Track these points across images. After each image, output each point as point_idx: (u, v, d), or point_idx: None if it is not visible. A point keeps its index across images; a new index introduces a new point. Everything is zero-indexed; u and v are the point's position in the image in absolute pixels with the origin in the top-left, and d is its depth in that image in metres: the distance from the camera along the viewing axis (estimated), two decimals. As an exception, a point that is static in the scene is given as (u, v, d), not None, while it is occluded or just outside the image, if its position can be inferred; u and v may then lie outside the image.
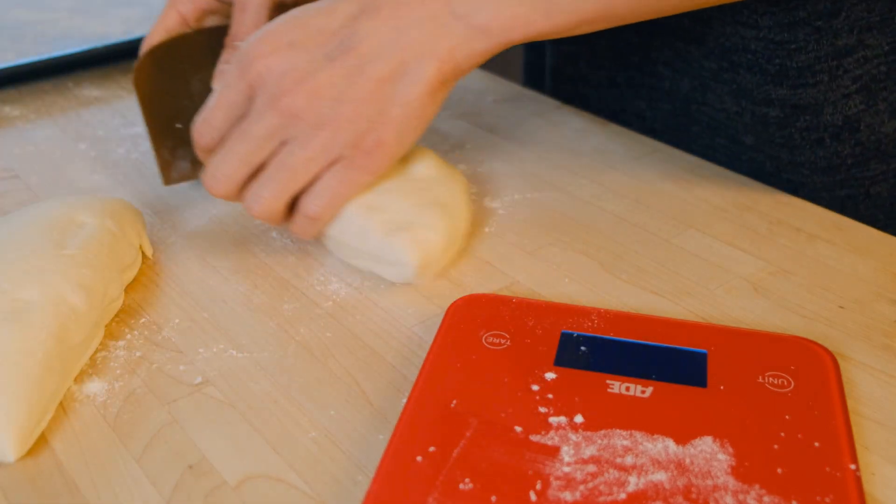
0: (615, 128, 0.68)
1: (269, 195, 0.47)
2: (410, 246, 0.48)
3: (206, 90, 0.58)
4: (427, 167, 0.53)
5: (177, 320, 0.47)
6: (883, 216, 0.62)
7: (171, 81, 0.59)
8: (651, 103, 0.69)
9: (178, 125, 0.57)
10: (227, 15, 0.59)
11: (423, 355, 0.44)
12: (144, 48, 0.58)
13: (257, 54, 0.47)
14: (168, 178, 0.59)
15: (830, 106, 0.58)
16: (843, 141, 0.59)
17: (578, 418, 0.37)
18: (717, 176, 0.61)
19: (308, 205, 0.48)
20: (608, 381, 0.39)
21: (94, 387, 0.42)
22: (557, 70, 0.76)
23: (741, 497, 0.33)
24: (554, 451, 0.35)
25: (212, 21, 0.61)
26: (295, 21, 0.47)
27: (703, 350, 0.41)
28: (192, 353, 0.44)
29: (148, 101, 0.58)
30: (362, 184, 0.48)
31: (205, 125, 0.49)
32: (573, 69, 0.74)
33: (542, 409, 0.38)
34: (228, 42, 0.57)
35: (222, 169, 0.48)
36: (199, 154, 0.51)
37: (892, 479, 0.37)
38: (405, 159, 0.52)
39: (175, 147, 0.58)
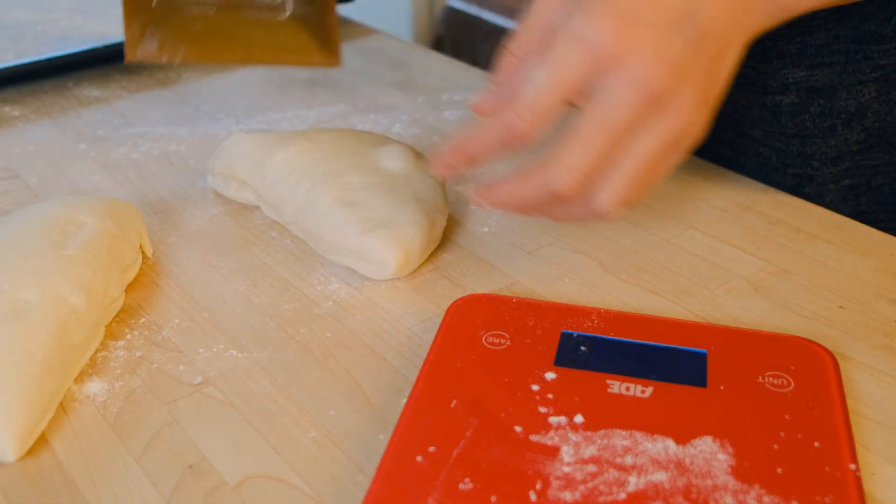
0: (615, 128, 0.68)
1: (623, 191, 0.42)
2: (390, 244, 0.48)
3: None
4: (403, 161, 0.53)
5: (177, 320, 0.47)
6: (885, 215, 0.62)
7: None
8: None
9: (154, 2, 0.54)
10: None
11: (423, 355, 0.44)
12: None
13: (606, 34, 0.41)
14: (132, 54, 0.55)
15: (844, 91, 0.58)
16: (852, 128, 0.59)
17: (578, 418, 0.37)
18: (717, 176, 0.61)
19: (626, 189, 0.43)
20: (608, 381, 0.39)
21: (94, 387, 0.42)
22: None
23: (741, 497, 0.33)
24: (554, 451, 0.35)
25: None
26: (630, 17, 0.41)
27: (703, 350, 0.41)
28: (192, 353, 0.44)
29: None
30: (678, 164, 0.44)
31: (527, 109, 0.42)
32: None
33: (542, 409, 0.38)
34: None
35: (579, 165, 0.41)
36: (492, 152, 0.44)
37: (892, 479, 0.37)
38: (381, 153, 0.52)
39: (145, 24, 0.55)
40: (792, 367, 0.40)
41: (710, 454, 0.35)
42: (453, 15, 1.94)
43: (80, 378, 0.42)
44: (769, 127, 0.62)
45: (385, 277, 0.49)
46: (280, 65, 0.57)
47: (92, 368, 0.43)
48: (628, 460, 0.35)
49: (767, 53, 0.60)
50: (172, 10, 0.54)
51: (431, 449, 0.36)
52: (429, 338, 0.45)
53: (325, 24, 0.58)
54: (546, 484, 0.34)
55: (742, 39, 0.44)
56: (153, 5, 0.54)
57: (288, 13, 0.57)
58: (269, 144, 0.55)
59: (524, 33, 0.47)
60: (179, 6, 0.54)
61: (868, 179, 0.61)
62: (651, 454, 0.35)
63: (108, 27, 0.85)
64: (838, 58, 0.57)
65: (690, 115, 0.42)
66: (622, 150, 0.42)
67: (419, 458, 0.35)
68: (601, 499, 0.33)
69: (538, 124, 0.42)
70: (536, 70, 0.42)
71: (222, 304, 0.48)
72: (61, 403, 0.41)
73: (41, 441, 0.39)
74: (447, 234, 0.54)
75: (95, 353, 0.44)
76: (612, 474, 0.34)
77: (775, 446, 0.36)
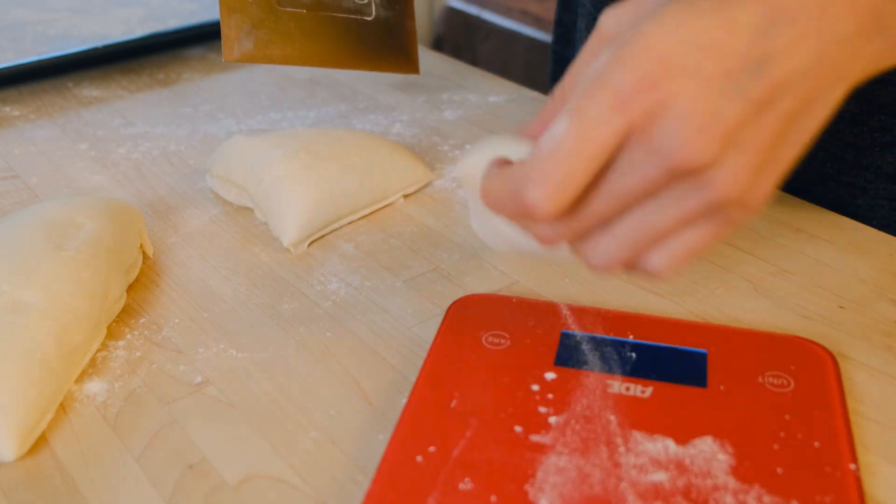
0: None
1: (619, 257, 0.36)
2: None
3: None
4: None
5: (177, 320, 0.47)
6: None
7: None
8: None
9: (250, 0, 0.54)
10: None
11: (423, 355, 0.44)
12: None
13: (638, 85, 0.32)
14: (229, 54, 0.54)
15: None
16: None
17: (578, 418, 0.37)
18: (717, 176, 0.60)
19: (654, 262, 0.36)
20: (608, 381, 0.39)
21: (94, 387, 0.42)
22: None
23: (741, 497, 0.33)
24: (554, 451, 0.35)
25: None
26: (681, 34, 0.32)
27: (703, 350, 0.41)
28: (192, 353, 0.44)
29: None
30: (722, 238, 0.36)
31: (553, 178, 0.33)
32: None
33: (542, 409, 0.38)
34: None
35: (611, 252, 0.36)
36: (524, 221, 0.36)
37: (892, 479, 0.37)
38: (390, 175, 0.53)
39: (241, 23, 0.55)
40: (792, 367, 0.40)
41: (710, 454, 0.35)
42: (453, 15, 1.94)
43: (80, 378, 0.42)
44: (828, 132, 0.59)
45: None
46: (362, 69, 0.58)
47: (92, 368, 0.43)
48: (628, 460, 0.35)
49: None
50: (268, 8, 0.55)
51: (431, 449, 0.36)
52: (429, 338, 0.45)
53: (405, 30, 0.58)
54: (546, 484, 0.34)
55: (842, 87, 0.35)
56: (250, 2, 0.54)
57: (374, 16, 0.58)
58: (265, 152, 0.55)
59: (571, 69, 0.38)
60: (273, 4, 0.55)
61: None
62: (651, 454, 0.35)
63: (108, 27, 0.85)
64: None
65: (737, 188, 0.33)
66: (633, 213, 0.35)
67: (419, 458, 0.35)
68: (601, 499, 0.33)
69: (557, 198, 0.33)
70: (558, 124, 0.33)
71: (222, 304, 0.48)
72: (61, 403, 0.41)
73: (41, 441, 0.39)
74: (447, 233, 0.54)
75: (95, 353, 0.44)
76: (613, 474, 0.34)
77: (775, 446, 0.36)
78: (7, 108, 0.73)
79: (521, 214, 0.35)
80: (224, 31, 0.54)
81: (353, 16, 0.57)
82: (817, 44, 0.33)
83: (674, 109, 0.32)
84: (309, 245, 0.53)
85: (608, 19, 0.37)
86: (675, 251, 0.36)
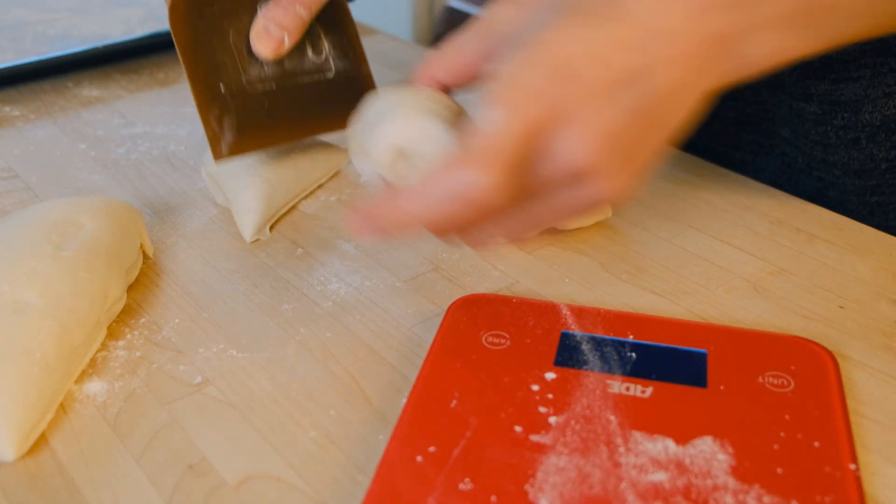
0: (615, 128, 0.68)
1: (503, 237, 0.40)
2: None
3: (243, 43, 0.55)
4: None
5: (177, 320, 0.47)
6: None
7: (208, 29, 0.55)
8: None
9: (221, 87, 0.54)
10: None
11: (423, 355, 0.44)
12: None
13: (542, 87, 0.36)
14: (218, 153, 0.54)
15: (870, 104, 0.56)
16: (879, 143, 0.57)
17: (578, 418, 0.37)
18: (717, 176, 0.61)
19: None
20: (608, 381, 0.39)
21: (94, 387, 0.42)
22: None
23: (741, 497, 0.33)
24: (554, 452, 0.35)
25: None
26: (574, 45, 0.37)
27: (703, 350, 0.41)
28: (192, 353, 0.44)
29: (187, 50, 0.54)
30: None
31: (491, 157, 0.36)
32: None
33: (542, 409, 0.38)
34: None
35: (499, 235, 0.40)
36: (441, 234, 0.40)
37: (892, 479, 0.37)
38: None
39: (221, 116, 0.55)
40: (792, 367, 0.40)
41: (710, 454, 0.35)
42: (453, 15, 1.94)
43: (80, 378, 0.42)
44: (796, 128, 0.60)
45: None
46: (339, 130, 0.59)
47: (92, 368, 0.43)
48: (628, 460, 0.35)
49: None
50: (240, 93, 0.55)
51: (431, 449, 0.36)
52: (429, 338, 0.45)
53: (362, 75, 0.60)
54: (546, 484, 0.34)
55: (692, 99, 0.38)
56: (223, 92, 0.54)
57: (333, 71, 0.59)
58: (252, 163, 0.56)
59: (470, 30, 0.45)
60: (244, 87, 0.55)
61: None
62: (651, 454, 0.35)
63: (108, 27, 0.85)
64: (864, 72, 0.55)
65: (614, 189, 0.37)
66: (530, 202, 0.38)
67: (419, 458, 0.35)
68: (601, 499, 0.33)
69: (500, 175, 0.36)
70: (482, 119, 0.37)
71: (222, 304, 0.48)
72: (61, 403, 0.41)
73: (41, 441, 0.39)
74: (447, 234, 0.54)
75: (95, 353, 0.44)
76: (613, 474, 0.34)
77: (775, 446, 0.36)
78: (7, 108, 0.73)
79: (458, 196, 0.36)
80: (207, 131, 0.54)
81: (315, 76, 0.58)
82: (677, 63, 0.37)
83: (566, 113, 0.36)
84: (309, 245, 0.53)
85: (497, 14, 0.43)
86: (539, 229, 0.40)
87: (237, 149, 0.54)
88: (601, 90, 0.36)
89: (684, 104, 0.38)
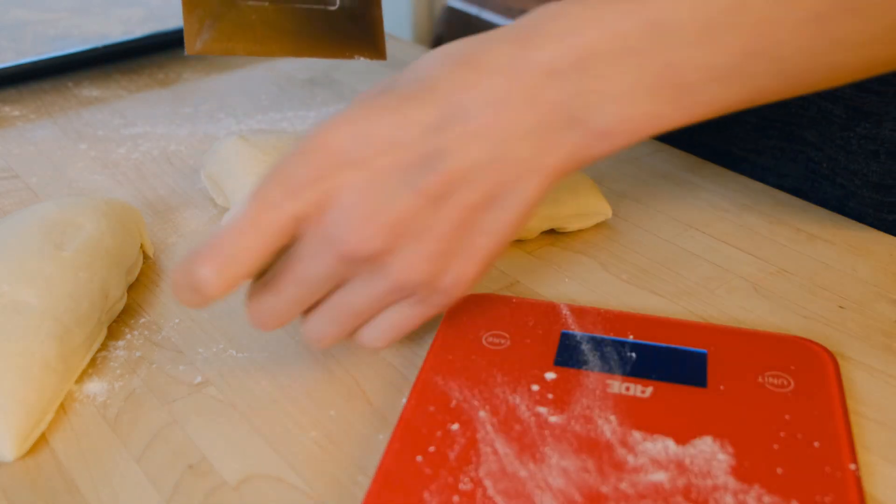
0: (615, 128, 0.68)
1: (330, 334, 0.40)
2: None
3: None
4: None
5: (177, 320, 0.47)
6: None
7: None
8: None
9: None
10: None
11: (423, 355, 0.44)
12: None
13: (310, 176, 0.35)
14: (192, 47, 0.55)
15: (891, 122, 0.55)
16: None
17: (578, 418, 0.37)
18: (717, 176, 0.61)
19: (366, 337, 0.40)
20: (608, 381, 0.39)
21: (94, 387, 0.42)
22: None
23: (741, 497, 0.33)
24: (554, 451, 0.35)
25: None
26: (356, 130, 0.35)
27: (703, 350, 0.41)
28: (192, 353, 0.44)
29: None
30: (429, 317, 0.40)
31: (222, 254, 0.35)
32: None
33: (542, 409, 0.38)
34: None
35: (272, 309, 0.38)
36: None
37: (892, 479, 0.37)
38: None
39: (203, 16, 0.55)
40: (792, 367, 0.40)
41: (710, 454, 0.35)
42: (453, 15, 1.94)
43: (80, 378, 0.42)
44: (823, 130, 0.59)
45: None
46: (328, 58, 0.58)
47: (92, 368, 0.43)
48: (628, 460, 0.35)
49: None
50: (229, 3, 0.55)
51: (431, 449, 0.36)
52: (429, 338, 0.45)
53: (371, 17, 0.58)
54: (546, 484, 0.34)
55: (538, 178, 0.37)
56: None
57: (337, 5, 0.58)
58: (244, 164, 0.55)
59: None
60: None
61: None
62: (651, 454, 0.35)
63: (108, 27, 0.85)
64: (887, 88, 0.54)
65: (415, 274, 0.36)
66: (335, 298, 0.38)
67: (419, 458, 0.35)
68: (601, 499, 0.33)
69: (225, 273, 0.35)
70: (235, 208, 0.37)
71: (222, 304, 0.48)
72: (61, 403, 0.41)
73: (41, 441, 0.39)
74: (447, 234, 0.54)
75: (95, 353, 0.44)
76: (612, 474, 0.34)
77: (775, 446, 0.36)
78: (7, 108, 0.73)
79: (192, 291, 0.36)
80: (186, 25, 0.54)
81: (316, 6, 0.57)
82: (492, 140, 0.35)
83: (341, 200, 0.35)
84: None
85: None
86: (384, 328, 0.40)
87: (210, 48, 0.55)
88: (383, 175, 0.35)
89: (516, 185, 0.36)
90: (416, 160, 0.35)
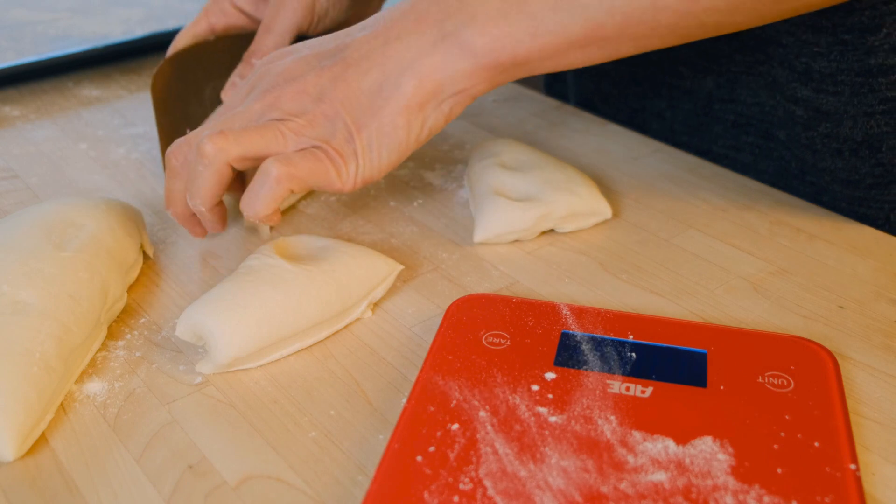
0: (615, 128, 0.68)
1: (234, 153, 0.47)
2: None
3: (217, 98, 0.59)
4: None
5: (176, 320, 0.47)
6: None
7: (186, 87, 0.60)
8: (671, 102, 0.69)
9: (188, 129, 0.57)
10: (255, 31, 0.60)
11: (423, 355, 0.44)
12: (170, 52, 0.60)
13: (264, 65, 0.50)
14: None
15: (850, 120, 0.56)
16: (862, 158, 0.57)
17: (578, 418, 0.37)
18: (717, 176, 0.61)
19: (270, 167, 0.46)
20: (608, 381, 0.39)
21: (94, 387, 0.42)
22: (580, 68, 0.75)
23: (741, 497, 0.33)
24: (554, 451, 0.35)
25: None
26: (307, 41, 0.50)
27: (703, 350, 0.41)
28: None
29: (161, 105, 0.58)
30: (325, 173, 0.47)
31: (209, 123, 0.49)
32: (596, 67, 0.73)
33: (542, 409, 0.38)
34: (246, 57, 0.58)
35: (226, 126, 0.48)
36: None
37: (892, 479, 0.37)
38: None
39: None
40: (792, 367, 0.40)
41: (710, 454, 0.35)
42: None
43: (80, 378, 0.42)
44: (789, 131, 0.60)
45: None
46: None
47: (92, 368, 0.43)
48: (628, 460, 0.35)
49: (782, 61, 0.58)
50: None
51: (431, 449, 0.36)
52: (429, 338, 0.45)
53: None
54: (546, 484, 0.34)
55: (415, 80, 0.47)
56: (186, 130, 0.58)
57: None
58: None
59: None
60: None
61: (887, 214, 0.58)
62: (651, 454, 0.35)
63: (108, 27, 0.85)
64: (843, 88, 0.55)
65: (327, 128, 0.47)
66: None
67: (419, 458, 0.35)
68: (601, 499, 0.33)
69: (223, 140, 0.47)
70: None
71: (222, 304, 0.48)
72: (61, 403, 0.41)
73: (41, 441, 0.39)
74: (447, 233, 0.54)
75: (95, 353, 0.44)
76: (612, 475, 0.34)
77: (775, 446, 0.36)
78: (7, 108, 0.73)
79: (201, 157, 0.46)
80: (164, 160, 0.55)
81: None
82: (381, 39, 0.48)
83: (273, 70, 0.49)
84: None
85: None
86: (285, 163, 0.47)
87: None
88: (303, 59, 0.49)
89: (403, 78, 0.46)
90: (331, 51, 0.48)
